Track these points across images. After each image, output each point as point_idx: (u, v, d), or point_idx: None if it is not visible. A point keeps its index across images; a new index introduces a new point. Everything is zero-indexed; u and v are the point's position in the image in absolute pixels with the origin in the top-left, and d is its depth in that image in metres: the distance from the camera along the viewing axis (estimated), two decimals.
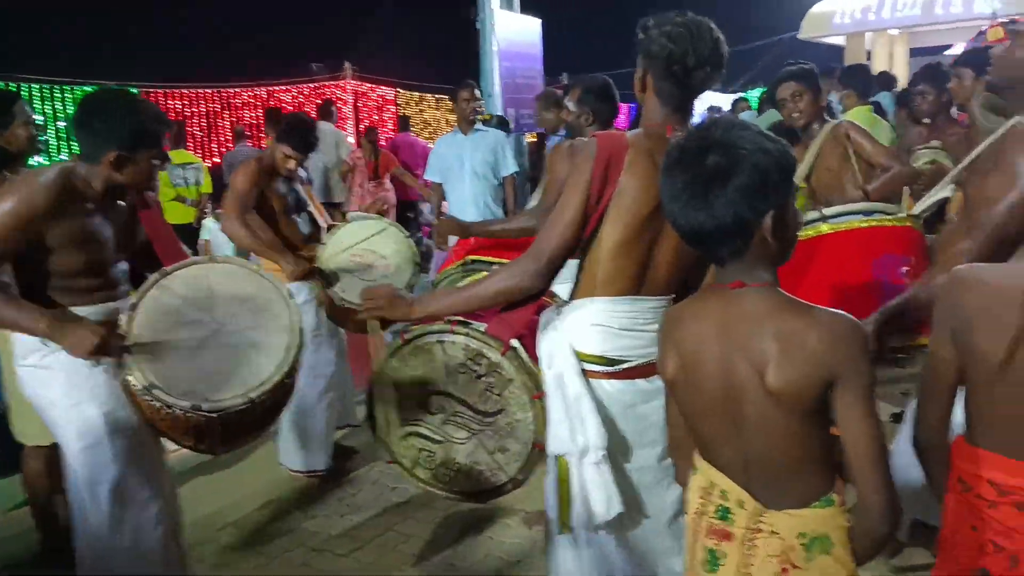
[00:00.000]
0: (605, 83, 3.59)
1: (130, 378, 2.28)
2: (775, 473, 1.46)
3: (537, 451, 2.18)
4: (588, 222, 2.00)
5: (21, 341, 2.48)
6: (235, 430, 2.40)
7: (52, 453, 3.39)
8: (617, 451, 2.06)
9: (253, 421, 2.41)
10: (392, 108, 16.90)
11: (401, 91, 17.33)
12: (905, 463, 2.56)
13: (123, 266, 2.64)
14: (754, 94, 12.38)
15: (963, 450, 1.54)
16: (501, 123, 7.53)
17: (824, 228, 2.38)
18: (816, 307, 1.42)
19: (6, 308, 2.29)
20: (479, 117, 5.83)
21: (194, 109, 14.69)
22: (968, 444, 1.53)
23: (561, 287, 2.18)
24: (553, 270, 2.03)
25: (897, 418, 3.99)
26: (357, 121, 15.60)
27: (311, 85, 16.13)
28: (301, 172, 4.21)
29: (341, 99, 15.45)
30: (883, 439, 1.41)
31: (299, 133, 4.00)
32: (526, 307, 2.11)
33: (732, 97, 12.81)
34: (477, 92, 5.84)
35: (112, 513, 2.52)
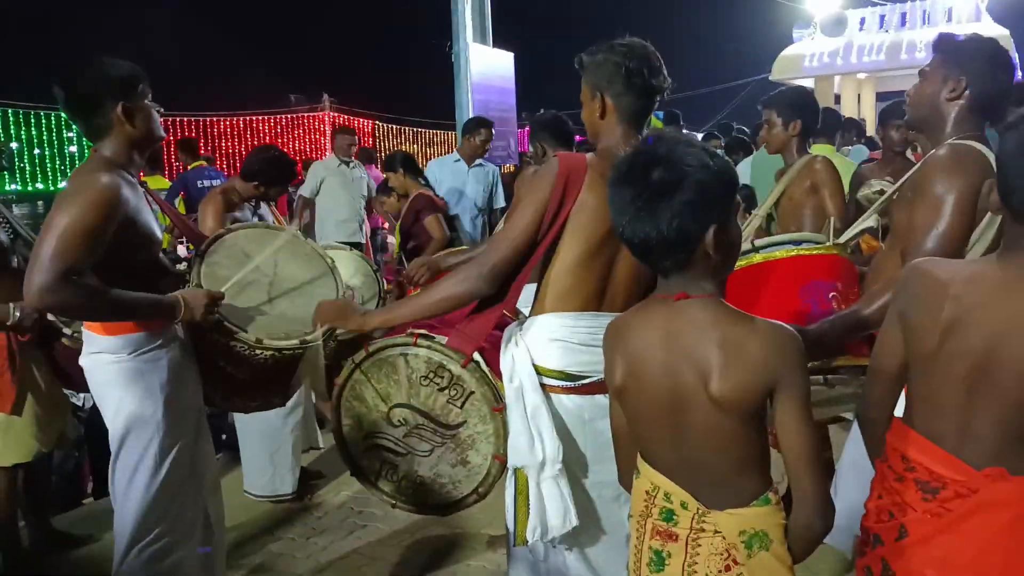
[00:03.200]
0: (552, 117, 3.74)
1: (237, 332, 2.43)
2: (716, 475, 1.52)
3: (498, 464, 2.22)
4: (546, 238, 2.07)
5: (118, 339, 2.41)
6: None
7: (13, 473, 3.36)
8: (575, 466, 2.10)
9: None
10: (370, 141, 16.96)
11: (380, 123, 17.42)
12: (846, 483, 2.63)
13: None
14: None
15: (894, 424, 1.61)
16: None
17: (756, 258, 2.47)
18: (757, 318, 1.50)
19: (135, 299, 2.32)
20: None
21: (169, 137, 14.66)
22: (899, 420, 1.60)
23: (527, 309, 2.24)
24: (497, 277, 2.09)
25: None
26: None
27: (289, 115, 16.20)
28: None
29: (319, 130, 15.50)
30: (817, 441, 1.48)
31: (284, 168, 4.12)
32: (486, 320, 2.17)
33: (701, 135, 13.05)
34: (493, 131, 6.12)
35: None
